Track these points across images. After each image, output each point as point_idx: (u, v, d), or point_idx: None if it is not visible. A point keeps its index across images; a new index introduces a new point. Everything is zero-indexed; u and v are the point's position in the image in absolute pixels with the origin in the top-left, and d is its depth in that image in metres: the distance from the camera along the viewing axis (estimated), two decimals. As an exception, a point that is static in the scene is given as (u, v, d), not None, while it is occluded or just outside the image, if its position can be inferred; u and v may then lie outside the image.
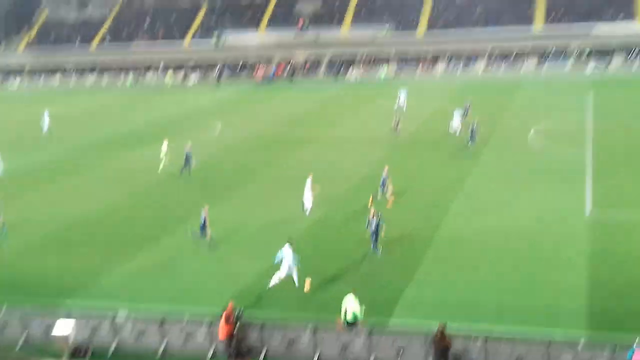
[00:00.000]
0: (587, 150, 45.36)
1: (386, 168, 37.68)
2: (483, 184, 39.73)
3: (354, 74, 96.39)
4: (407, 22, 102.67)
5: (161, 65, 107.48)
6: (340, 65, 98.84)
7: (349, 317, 22.95)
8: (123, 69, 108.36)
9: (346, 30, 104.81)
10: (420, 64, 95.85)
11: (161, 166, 46.24)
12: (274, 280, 27.07)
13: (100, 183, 44.83)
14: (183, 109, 73.89)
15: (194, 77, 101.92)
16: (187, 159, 44.99)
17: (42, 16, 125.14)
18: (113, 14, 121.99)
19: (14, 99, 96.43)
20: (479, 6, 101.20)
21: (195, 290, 27.73)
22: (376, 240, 29.91)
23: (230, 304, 22.90)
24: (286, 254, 26.95)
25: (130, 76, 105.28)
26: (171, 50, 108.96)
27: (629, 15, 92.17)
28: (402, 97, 64.58)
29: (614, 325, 23.03)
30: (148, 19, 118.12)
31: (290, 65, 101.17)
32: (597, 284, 25.94)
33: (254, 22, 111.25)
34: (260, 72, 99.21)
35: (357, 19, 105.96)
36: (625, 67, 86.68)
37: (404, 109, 62.33)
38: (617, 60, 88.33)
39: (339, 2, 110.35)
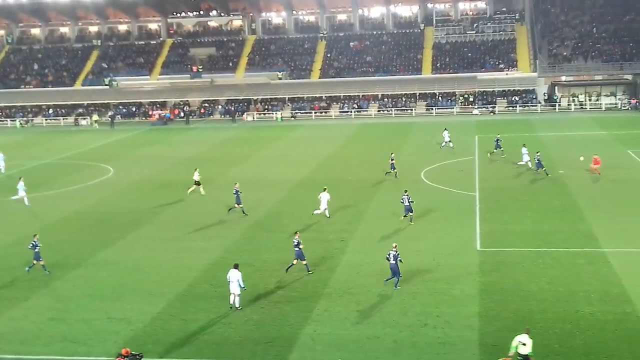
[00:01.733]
0: (476, 190, 47.13)
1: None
2: (377, 222, 40.51)
3: (250, 116, 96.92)
4: (301, 69, 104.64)
5: (51, 108, 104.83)
6: (236, 109, 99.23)
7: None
8: (12, 111, 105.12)
9: (241, 75, 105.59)
10: (315, 108, 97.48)
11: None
12: (236, 302, 28.50)
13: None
14: (74, 152, 72.11)
15: (86, 120, 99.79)
16: None
17: None
18: (0, 57, 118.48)
19: None
20: (370, 55, 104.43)
21: (87, 334, 26.87)
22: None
23: (125, 350, 22.33)
24: (233, 276, 28.32)
25: (20, 118, 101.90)
26: (62, 93, 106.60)
27: (510, 64, 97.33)
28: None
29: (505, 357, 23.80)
30: (36, 64, 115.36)
31: (186, 108, 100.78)
32: (487, 318, 26.83)
33: (148, 66, 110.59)
34: (154, 115, 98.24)
35: (252, 64, 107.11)
36: (508, 111, 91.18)
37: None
38: (500, 105, 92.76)
39: (233, 48, 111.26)
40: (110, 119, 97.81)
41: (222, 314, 28.21)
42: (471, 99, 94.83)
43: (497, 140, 59.04)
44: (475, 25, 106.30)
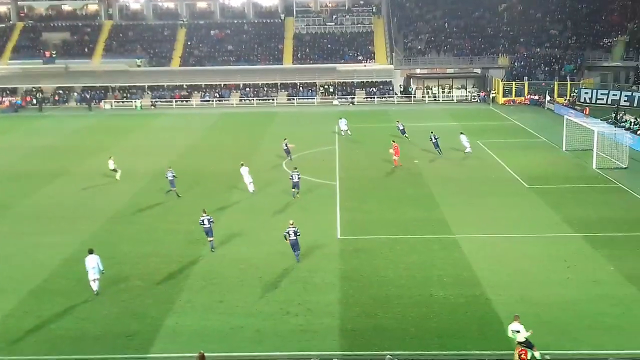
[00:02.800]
0: (336, 179, 48.18)
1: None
2: (237, 213, 40.63)
3: (107, 104, 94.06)
4: (160, 56, 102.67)
5: None
6: (92, 96, 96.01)
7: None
8: None
9: (98, 61, 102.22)
10: (176, 96, 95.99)
11: None
12: (94, 286, 28.59)
13: None
14: None
15: None
16: None
17: None
18: None
19: None
20: (231, 44, 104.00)
21: None
22: None
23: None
24: (91, 261, 28.52)
25: None
26: None
27: (368, 56, 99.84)
28: None
29: (365, 343, 24.64)
30: None
31: (38, 95, 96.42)
32: (347, 304, 27.64)
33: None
34: (5, 102, 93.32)
35: (109, 50, 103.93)
36: (366, 102, 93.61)
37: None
38: (359, 96, 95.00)
39: (89, 33, 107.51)
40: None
41: (80, 309, 27.48)
42: (331, 90, 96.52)
43: (400, 126, 63.14)
44: (334, 17, 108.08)
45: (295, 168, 44.92)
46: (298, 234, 32.00)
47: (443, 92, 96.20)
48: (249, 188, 45.14)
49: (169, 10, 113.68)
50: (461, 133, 58.22)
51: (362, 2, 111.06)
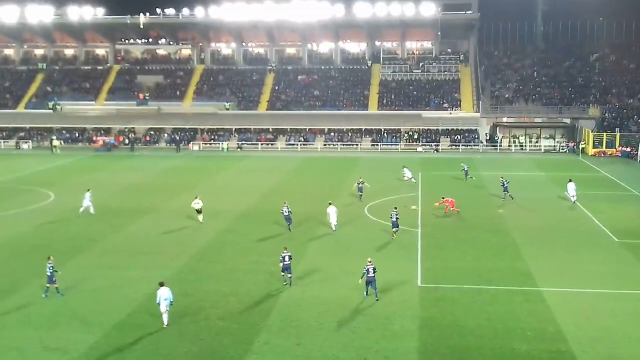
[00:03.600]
0: (418, 226, 47.75)
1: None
2: (318, 256, 40.67)
3: (196, 146, 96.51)
4: (248, 100, 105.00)
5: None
6: (181, 138, 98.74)
7: None
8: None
9: (188, 104, 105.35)
10: (261, 139, 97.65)
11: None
12: (165, 319, 29.60)
13: None
14: (13, 175, 70.68)
15: (27, 144, 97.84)
16: None
17: None
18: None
19: None
20: (317, 89, 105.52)
21: None
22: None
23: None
24: (163, 294, 29.58)
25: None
26: (4, 116, 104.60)
27: (454, 103, 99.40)
28: None
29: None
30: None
31: (131, 135, 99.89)
32: (426, 353, 27.11)
33: (93, 92, 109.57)
34: (99, 141, 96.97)
35: (199, 93, 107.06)
36: (451, 150, 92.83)
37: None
38: (443, 143, 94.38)
39: (181, 76, 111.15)
40: (50, 143, 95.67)
41: (162, 345, 27.89)
42: (415, 137, 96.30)
43: (465, 169, 63.33)
44: (421, 64, 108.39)
45: (395, 207, 45.70)
46: (376, 271, 32.63)
47: (530, 142, 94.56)
48: (332, 226, 46.47)
49: (258, 55, 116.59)
50: (569, 180, 56.38)
51: (449, 50, 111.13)
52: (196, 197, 50.01)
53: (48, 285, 33.38)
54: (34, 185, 64.79)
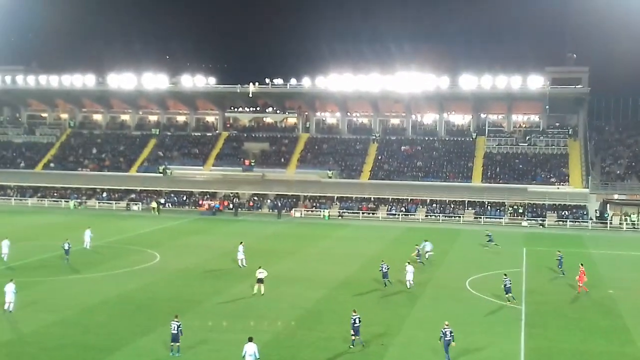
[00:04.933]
0: (521, 305, 46.14)
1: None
2: (420, 329, 39.81)
3: (297, 212, 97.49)
4: (351, 169, 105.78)
5: (105, 192, 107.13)
6: (283, 204, 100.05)
7: None
8: (68, 192, 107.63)
9: (292, 171, 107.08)
10: (363, 208, 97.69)
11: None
12: None
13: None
14: (124, 236, 73.21)
15: (137, 205, 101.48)
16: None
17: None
18: (61, 140, 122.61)
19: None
20: (420, 160, 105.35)
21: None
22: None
23: None
24: (249, 349, 30.92)
25: (74, 200, 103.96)
26: (117, 178, 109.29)
27: (562, 178, 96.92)
28: None
29: None
30: (95, 148, 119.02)
31: (235, 200, 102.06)
32: None
33: (202, 157, 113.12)
34: (204, 205, 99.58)
35: (303, 161, 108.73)
36: (558, 225, 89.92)
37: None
38: (550, 218, 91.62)
39: (286, 144, 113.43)
40: (157, 205, 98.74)
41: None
42: (520, 210, 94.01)
43: (560, 258, 56.96)
44: (527, 137, 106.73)
45: (506, 274, 46.94)
46: (452, 334, 33.43)
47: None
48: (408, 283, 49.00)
49: (362, 125, 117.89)
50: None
51: (557, 123, 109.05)
52: (260, 267, 48.54)
53: (172, 344, 34.15)
54: (142, 246, 66.82)
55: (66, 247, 57.88)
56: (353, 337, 35.45)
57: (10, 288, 41.48)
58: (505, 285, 45.66)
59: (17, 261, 57.36)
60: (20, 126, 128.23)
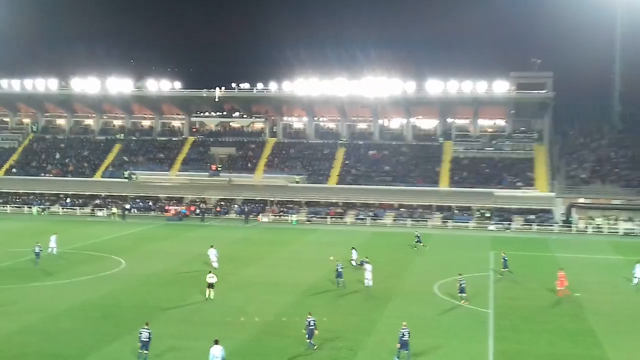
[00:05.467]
0: (489, 308, 46.24)
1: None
2: (389, 334, 39.61)
3: (265, 217, 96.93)
4: (319, 173, 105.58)
5: (69, 197, 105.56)
6: (250, 209, 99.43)
7: None
8: (30, 198, 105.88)
9: (259, 176, 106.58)
10: (331, 213, 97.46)
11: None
12: None
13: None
14: (89, 242, 72.09)
15: (102, 212, 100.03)
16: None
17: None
18: (23, 144, 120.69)
19: None
20: (388, 165, 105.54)
21: None
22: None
23: None
24: (215, 352, 31.05)
25: (37, 206, 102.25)
26: (81, 183, 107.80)
27: (528, 182, 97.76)
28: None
29: None
30: (58, 153, 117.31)
31: (202, 206, 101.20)
32: None
33: (168, 162, 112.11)
34: (171, 210, 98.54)
35: (270, 166, 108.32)
36: (524, 229, 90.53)
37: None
38: (516, 222, 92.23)
39: (253, 149, 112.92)
40: (122, 211, 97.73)
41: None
42: (487, 215, 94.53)
43: (504, 259, 58.02)
44: (493, 142, 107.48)
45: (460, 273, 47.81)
46: (410, 335, 34.34)
47: (608, 224, 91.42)
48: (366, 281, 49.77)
49: (329, 130, 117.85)
50: (638, 262, 54.26)
51: (523, 127, 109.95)
52: (210, 272, 49.18)
53: (141, 351, 33.55)
54: (107, 252, 65.80)
55: (37, 251, 58.57)
56: (308, 340, 36.08)
57: None
58: (460, 285, 47.09)
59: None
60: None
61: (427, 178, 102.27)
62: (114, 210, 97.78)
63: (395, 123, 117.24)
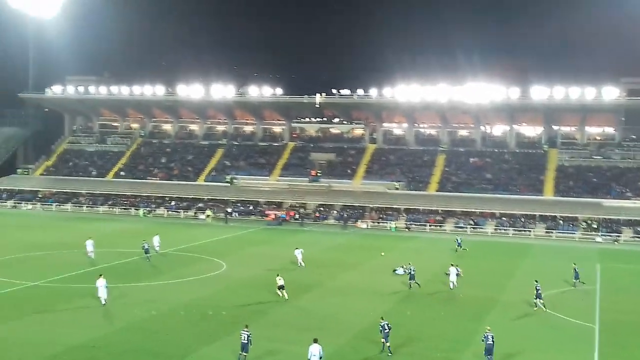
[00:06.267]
0: (595, 321, 44.41)
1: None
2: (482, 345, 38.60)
3: (363, 224, 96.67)
4: (418, 180, 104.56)
5: (174, 200, 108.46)
6: (349, 215, 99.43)
7: None
8: (137, 200, 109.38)
9: (358, 182, 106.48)
10: (430, 220, 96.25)
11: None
12: None
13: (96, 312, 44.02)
14: (192, 244, 73.81)
15: (205, 214, 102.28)
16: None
17: (63, 145, 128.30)
18: (131, 149, 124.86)
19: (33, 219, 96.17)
20: (490, 172, 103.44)
21: None
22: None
23: None
24: (313, 350, 32.07)
25: (143, 208, 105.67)
26: (185, 187, 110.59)
27: (638, 193, 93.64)
28: None
29: None
30: (164, 157, 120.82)
31: (301, 211, 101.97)
32: None
33: (268, 167, 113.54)
34: (271, 215, 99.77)
35: (370, 172, 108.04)
36: (634, 242, 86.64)
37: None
38: (625, 234, 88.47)
39: (352, 155, 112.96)
40: (225, 214, 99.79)
41: None
42: (594, 226, 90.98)
43: (575, 270, 56.15)
44: (602, 150, 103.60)
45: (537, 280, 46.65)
46: (494, 338, 34.54)
47: None
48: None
49: (430, 137, 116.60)
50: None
51: (634, 136, 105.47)
52: (278, 275, 50.35)
53: (241, 353, 34.08)
54: (209, 255, 67.15)
55: (145, 247, 63.32)
56: (383, 342, 36.15)
57: (101, 283, 45.47)
58: (537, 291, 46.84)
59: (90, 267, 58.39)
60: (93, 135, 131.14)
61: (531, 187, 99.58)
62: (208, 212, 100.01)
63: (498, 130, 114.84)
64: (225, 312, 44.58)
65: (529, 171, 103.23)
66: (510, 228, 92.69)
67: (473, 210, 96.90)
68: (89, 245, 63.15)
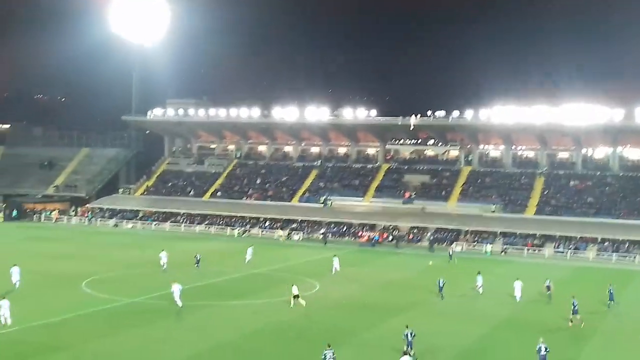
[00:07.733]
0: None
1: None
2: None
3: (458, 247, 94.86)
4: (515, 203, 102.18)
5: (268, 220, 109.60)
6: (445, 237, 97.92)
7: None
8: (232, 220, 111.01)
9: (453, 205, 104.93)
10: (528, 245, 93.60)
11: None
12: None
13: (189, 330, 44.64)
14: (285, 264, 74.28)
15: (299, 235, 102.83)
16: None
17: (162, 166, 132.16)
18: (227, 170, 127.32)
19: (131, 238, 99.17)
20: (591, 196, 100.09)
21: None
22: None
23: None
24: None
25: (238, 228, 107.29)
26: (279, 208, 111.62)
27: None
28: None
29: None
30: (259, 178, 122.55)
31: (395, 232, 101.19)
32: None
33: (362, 189, 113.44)
34: (364, 236, 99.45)
35: (465, 194, 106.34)
36: None
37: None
38: None
39: (447, 177, 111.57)
40: (323, 236, 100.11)
41: None
42: None
43: (611, 291, 55.26)
44: None
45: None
46: (548, 350, 35.15)
47: None
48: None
49: (528, 159, 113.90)
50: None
51: None
52: (293, 285, 52.49)
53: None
54: (303, 275, 67.24)
55: (198, 258, 68.64)
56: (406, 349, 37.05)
57: (177, 287, 49.51)
58: (574, 306, 47.48)
59: (184, 285, 59.44)
60: (191, 156, 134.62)
61: (636, 211, 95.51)
62: (281, 232, 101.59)
63: (600, 152, 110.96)
64: (315, 332, 44.40)
65: (633, 195, 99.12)
66: (614, 254, 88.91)
67: (573, 234, 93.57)
68: (163, 257, 67.08)
